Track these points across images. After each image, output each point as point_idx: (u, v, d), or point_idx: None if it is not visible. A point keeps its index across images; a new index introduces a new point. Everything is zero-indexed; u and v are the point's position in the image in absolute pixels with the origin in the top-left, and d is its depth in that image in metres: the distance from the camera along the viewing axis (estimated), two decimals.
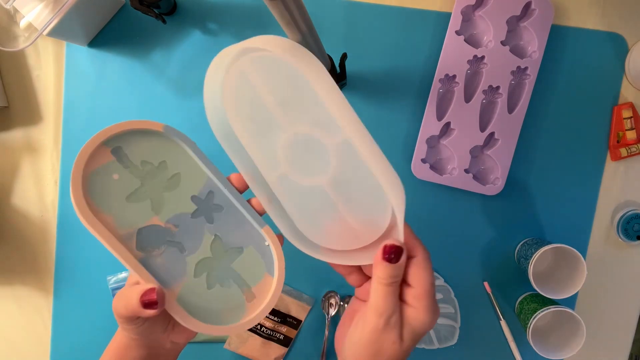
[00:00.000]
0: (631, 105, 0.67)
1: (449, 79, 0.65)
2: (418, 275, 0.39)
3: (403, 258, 0.38)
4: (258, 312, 0.41)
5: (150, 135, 0.39)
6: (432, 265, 0.39)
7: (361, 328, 0.39)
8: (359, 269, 0.43)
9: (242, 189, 0.44)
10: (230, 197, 0.42)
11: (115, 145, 0.38)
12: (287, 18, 0.39)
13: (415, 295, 0.39)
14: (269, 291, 0.42)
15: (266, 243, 0.43)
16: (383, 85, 0.67)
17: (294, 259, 0.69)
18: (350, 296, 0.69)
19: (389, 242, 0.38)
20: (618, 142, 0.67)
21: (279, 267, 0.42)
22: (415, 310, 0.38)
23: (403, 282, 0.40)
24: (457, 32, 0.63)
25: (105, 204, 0.37)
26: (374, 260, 0.38)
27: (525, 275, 0.62)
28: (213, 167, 0.41)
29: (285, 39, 0.35)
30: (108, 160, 0.38)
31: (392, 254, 0.38)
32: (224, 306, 0.40)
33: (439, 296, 0.69)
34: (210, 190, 0.42)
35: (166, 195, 0.40)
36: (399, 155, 0.67)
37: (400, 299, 0.39)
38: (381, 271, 0.38)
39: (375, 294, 0.38)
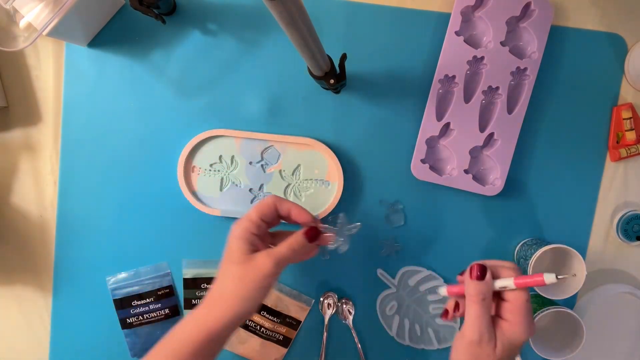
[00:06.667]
0: (630, 106, 0.67)
1: (449, 79, 0.65)
2: (513, 291, 0.43)
3: (488, 275, 0.44)
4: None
5: None
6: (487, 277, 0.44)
7: (460, 339, 0.45)
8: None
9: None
10: None
11: None
12: (287, 18, 0.39)
13: (511, 309, 0.43)
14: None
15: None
16: (382, 85, 0.67)
17: None
18: (347, 297, 0.69)
19: (475, 263, 0.44)
20: (617, 142, 0.67)
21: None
22: (510, 324, 0.43)
23: (500, 299, 0.45)
24: (457, 33, 0.63)
25: None
26: (465, 280, 0.45)
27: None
28: None
29: None
30: None
31: (479, 272, 0.44)
32: None
33: (437, 296, 0.69)
34: None
35: None
36: (398, 156, 0.67)
37: (498, 314, 0.45)
38: (472, 288, 0.44)
39: (469, 312, 0.44)
